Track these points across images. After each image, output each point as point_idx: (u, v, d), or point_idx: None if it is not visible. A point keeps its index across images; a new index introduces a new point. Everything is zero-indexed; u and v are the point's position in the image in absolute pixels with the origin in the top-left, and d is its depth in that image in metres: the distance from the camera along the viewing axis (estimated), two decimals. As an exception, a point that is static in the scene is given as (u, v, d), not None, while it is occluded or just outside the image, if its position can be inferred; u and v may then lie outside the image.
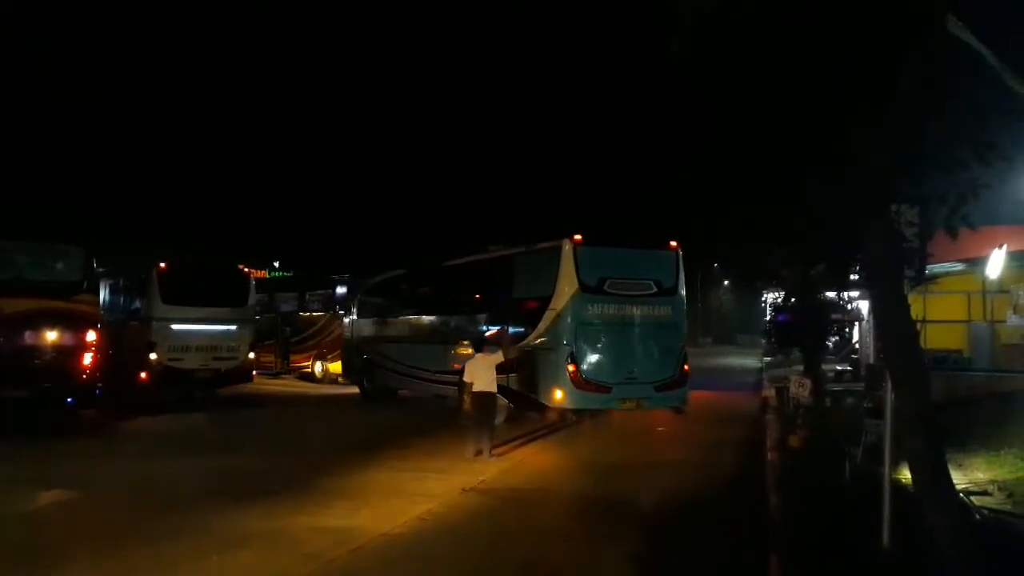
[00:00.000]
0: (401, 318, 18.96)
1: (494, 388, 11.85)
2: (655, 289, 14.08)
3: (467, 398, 11.75)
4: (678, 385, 13.96)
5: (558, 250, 13.64)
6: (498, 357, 12.00)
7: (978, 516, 7.58)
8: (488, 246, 16.31)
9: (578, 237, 13.63)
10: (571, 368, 13.16)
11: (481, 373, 11.70)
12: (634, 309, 13.77)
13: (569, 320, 13.38)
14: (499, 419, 14.04)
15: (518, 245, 15.17)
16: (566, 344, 13.26)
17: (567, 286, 13.46)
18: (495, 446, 11.87)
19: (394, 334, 18.97)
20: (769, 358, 27.65)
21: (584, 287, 13.43)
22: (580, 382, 13.18)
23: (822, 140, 6.29)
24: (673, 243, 14.54)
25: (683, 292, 14.61)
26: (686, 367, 14.23)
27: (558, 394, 13.30)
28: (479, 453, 11.54)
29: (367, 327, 20.21)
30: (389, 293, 20.06)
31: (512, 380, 13.79)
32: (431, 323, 17.68)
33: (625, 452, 12.59)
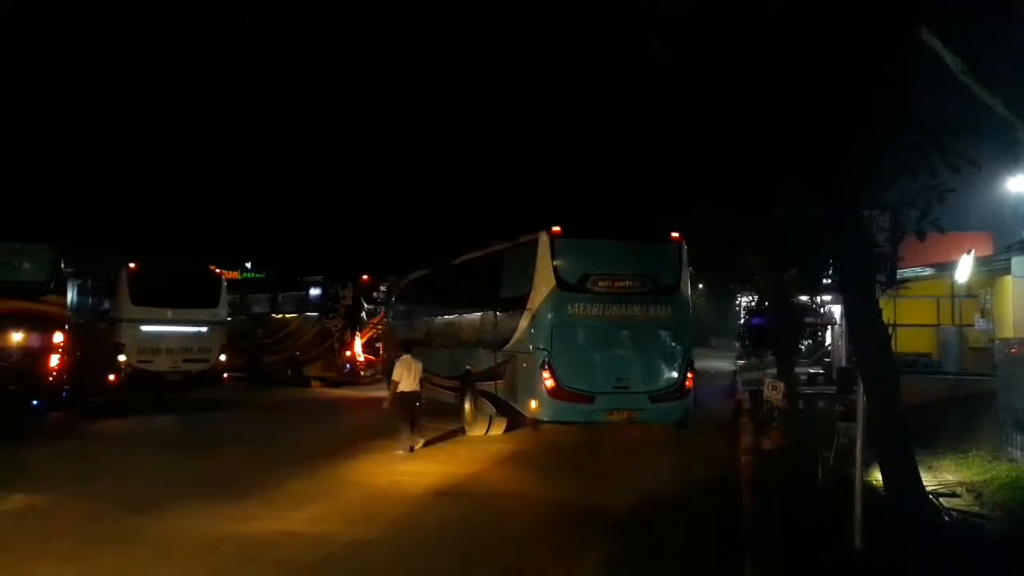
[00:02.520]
0: (415, 320, 18.70)
1: (417, 387, 12.46)
2: (651, 287, 12.62)
3: (391, 396, 12.50)
4: (679, 396, 12.50)
5: (535, 244, 12.49)
6: (420, 367, 12.70)
7: (947, 517, 7.67)
8: (492, 242, 14.87)
9: (556, 228, 12.33)
10: (546, 375, 11.94)
11: (407, 374, 12.38)
12: (625, 310, 12.36)
13: (545, 322, 12.19)
14: (495, 428, 13.74)
15: (507, 240, 13.98)
16: (542, 348, 12.07)
17: (543, 284, 12.27)
18: (421, 443, 12.51)
19: (411, 337, 18.75)
20: (743, 361, 27.83)
21: (562, 285, 12.19)
22: (556, 391, 11.93)
23: (799, 146, 6.35)
24: (675, 235, 12.87)
25: (687, 291, 13.09)
26: (690, 375, 12.66)
27: (532, 403, 12.15)
28: (412, 449, 12.15)
29: (395, 329, 19.98)
30: (407, 294, 19.87)
31: (499, 387, 13.17)
32: (435, 325, 17.15)
33: (599, 454, 12.58)
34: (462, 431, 14.09)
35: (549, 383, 11.93)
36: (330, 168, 33.39)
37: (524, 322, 12.59)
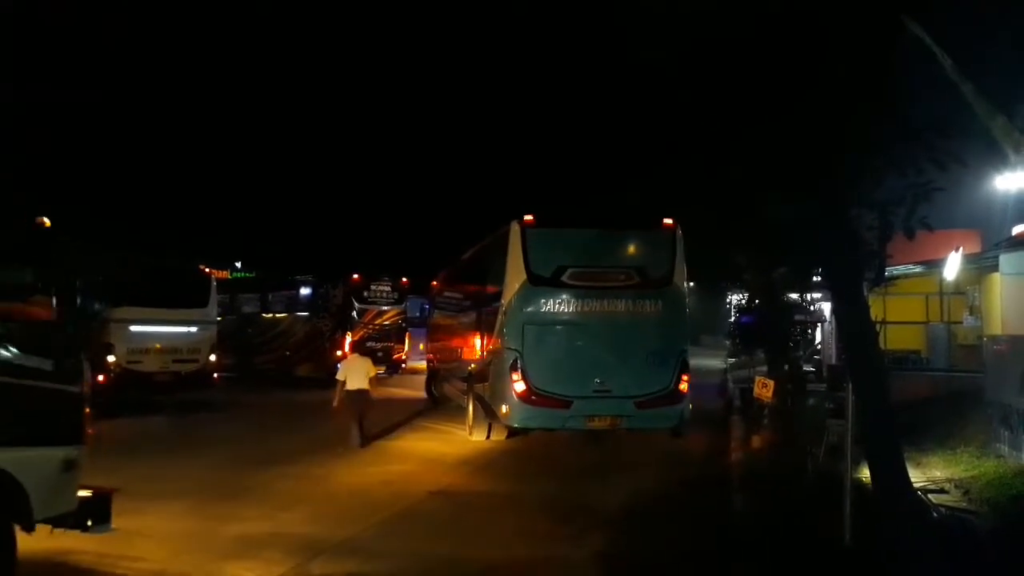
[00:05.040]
0: (442, 320, 18.58)
1: (366, 386, 12.36)
2: (637, 279, 11.63)
3: (338, 395, 12.47)
4: (672, 401, 11.44)
5: (507, 235, 11.73)
6: (370, 365, 12.71)
7: (935, 514, 7.72)
8: (486, 236, 14.17)
9: (529, 217, 11.52)
10: (516, 378, 11.16)
11: (354, 373, 12.43)
12: (607, 305, 11.42)
13: (516, 319, 11.38)
14: (496, 433, 13.13)
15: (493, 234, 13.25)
16: (512, 348, 11.31)
17: (514, 278, 11.46)
18: (368, 439, 12.62)
19: (435, 336, 18.79)
20: (733, 359, 27.93)
21: (534, 278, 11.37)
22: (528, 395, 11.17)
23: (787, 144, 6.37)
24: (668, 221, 11.78)
25: (681, 284, 11.97)
26: (684, 378, 11.56)
27: (504, 408, 11.46)
28: (362, 445, 12.26)
29: (432, 329, 20.00)
30: (437, 294, 19.76)
31: (485, 390, 12.72)
32: (451, 325, 16.95)
33: (590, 452, 12.55)
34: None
35: (519, 386, 11.20)
36: (320, 167, 33.32)
37: (498, 320, 11.89)
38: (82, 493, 5.84)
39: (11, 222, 5.99)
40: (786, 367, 13.24)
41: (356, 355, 13.15)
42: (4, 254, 5.69)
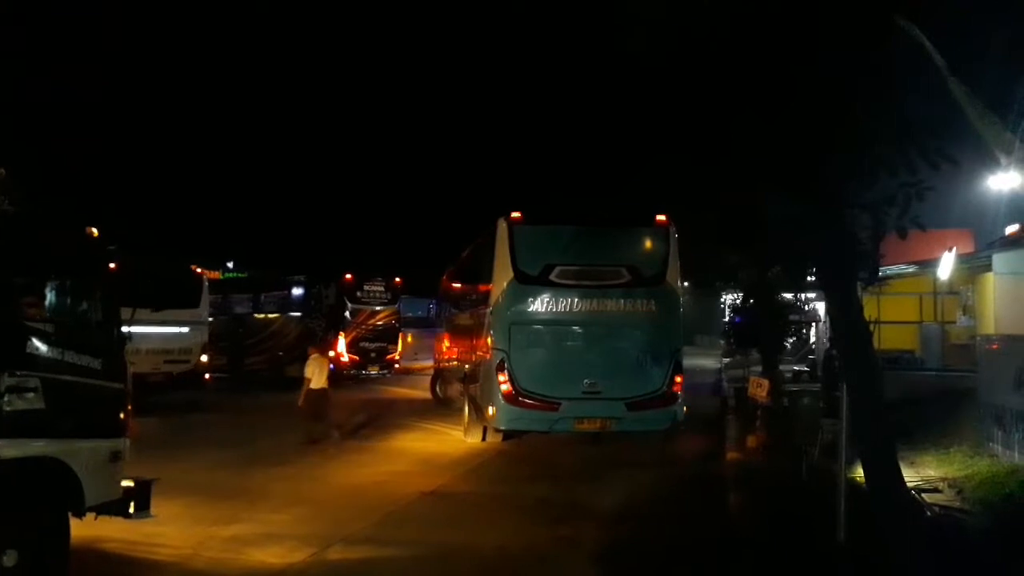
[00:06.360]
0: (448, 321, 18.13)
1: (326, 385, 12.84)
2: (628, 278, 11.32)
3: (304, 393, 12.81)
4: (665, 402, 11.15)
5: (494, 233, 11.54)
6: (327, 365, 13.17)
7: (929, 513, 7.72)
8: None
9: (516, 214, 11.27)
10: (502, 379, 10.89)
11: (318, 372, 12.81)
12: (597, 304, 11.15)
13: (503, 318, 11.17)
14: (492, 435, 12.79)
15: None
16: (499, 348, 11.10)
17: (502, 276, 11.23)
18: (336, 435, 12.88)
19: (440, 336, 18.63)
20: (728, 359, 27.93)
21: (522, 276, 11.10)
22: (515, 396, 10.91)
23: (777, 143, 6.36)
24: (661, 218, 11.48)
25: (675, 282, 11.69)
26: (678, 379, 11.30)
27: (490, 410, 11.24)
28: (314, 442, 12.35)
29: (439, 328, 19.74)
30: (440, 292, 19.52)
31: (476, 391, 12.58)
32: (454, 325, 16.71)
33: (585, 453, 12.54)
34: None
35: (505, 387, 10.94)
36: (313, 167, 33.26)
37: (486, 319, 11.72)
38: (125, 483, 6.22)
39: (62, 232, 6.28)
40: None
41: (318, 355, 13.37)
42: (57, 263, 5.89)
